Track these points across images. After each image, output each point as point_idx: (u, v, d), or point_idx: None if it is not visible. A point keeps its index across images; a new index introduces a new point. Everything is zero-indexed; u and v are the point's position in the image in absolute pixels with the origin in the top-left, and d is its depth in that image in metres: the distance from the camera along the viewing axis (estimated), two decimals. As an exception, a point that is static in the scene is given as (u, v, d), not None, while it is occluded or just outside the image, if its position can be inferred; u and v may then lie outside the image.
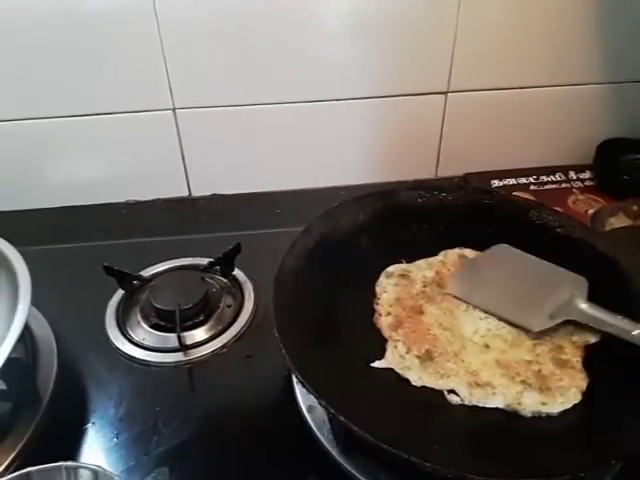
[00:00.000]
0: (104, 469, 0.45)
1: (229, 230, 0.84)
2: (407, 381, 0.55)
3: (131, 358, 0.65)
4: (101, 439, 0.57)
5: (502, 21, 0.81)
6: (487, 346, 0.58)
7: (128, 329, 0.68)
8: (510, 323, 0.60)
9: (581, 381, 0.54)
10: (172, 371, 0.64)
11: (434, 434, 0.49)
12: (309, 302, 0.60)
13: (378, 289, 0.64)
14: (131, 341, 0.66)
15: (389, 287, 0.64)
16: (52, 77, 0.79)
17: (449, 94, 0.87)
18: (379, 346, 0.58)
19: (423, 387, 0.54)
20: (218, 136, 0.87)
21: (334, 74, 0.83)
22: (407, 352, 0.57)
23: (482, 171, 0.94)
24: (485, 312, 0.62)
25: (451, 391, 0.54)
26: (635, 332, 0.54)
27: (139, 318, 0.69)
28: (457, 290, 0.64)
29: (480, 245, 0.68)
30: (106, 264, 0.70)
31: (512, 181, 0.93)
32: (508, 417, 0.52)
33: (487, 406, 0.53)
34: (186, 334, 0.66)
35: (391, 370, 0.56)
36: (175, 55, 0.79)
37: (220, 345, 0.66)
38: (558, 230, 0.67)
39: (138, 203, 0.91)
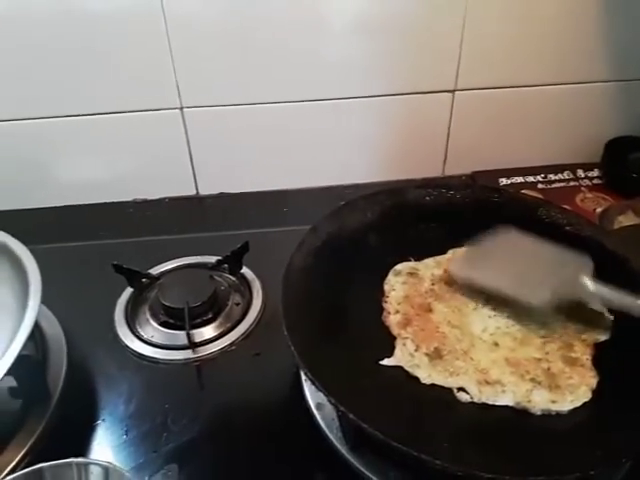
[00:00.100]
0: (114, 465, 0.46)
1: (236, 229, 0.84)
2: (416, 379, 0.55)
3: (140, 355, 0.65)
4: (110, 436, 0.57)
5: (509, 19, 0.81)
6: (496, 344, 0.57)
7: (137, 327, 0.68)
8: (510, 300, 0.60)
9: (591, 379, 0.54)
10: (181, 368, 0.64)
11: (443, 432, 0.49)
12: (317, 300, 0.60)
13: (387, 287, 0.64)
14: (140, 339, 0.67)
15: (398, 285, 0.64)
16: (61, 77, 0.79)
17: (456, 92, 0.87)
18: (388, 344, 0.58)
19: (432, 385, 0.54)
20: (225, 135, 0.87)
21: (341, 73, 0.83)
22: (416, 350, 0.57)
23: (489, 169, 0.94)
24: (484, 289, 0.61)
25: (460, 389, 0.54)
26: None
27: (148, 316, 0.69)
28: (458, 269, 0.64)
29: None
30: (115, 262, 0.70)
31: (520, 179, 0.93)
32: (518, 415, 0.52)
33: (497, 404, 0.53)
34: (195, 332, 0.66)
35: (400, 368, 0.56)
36: (183, 54, 0.79)
37: (229, 343, 0.66)
38: (567, 228, 0.67)
39: (146, 202, 0.91)
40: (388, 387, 0.54)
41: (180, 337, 0.66)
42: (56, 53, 0.77)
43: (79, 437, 0.57)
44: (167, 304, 0.67)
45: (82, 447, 0.56)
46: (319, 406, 0.57)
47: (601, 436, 0.49)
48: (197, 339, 0.66)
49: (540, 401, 0.52)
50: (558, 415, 0.52)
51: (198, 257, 0.77)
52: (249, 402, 0.61)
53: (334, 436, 0.54)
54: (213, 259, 0.75)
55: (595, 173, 0.93)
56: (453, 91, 0.86)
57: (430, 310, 0.61)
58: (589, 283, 0.58)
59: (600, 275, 0.62)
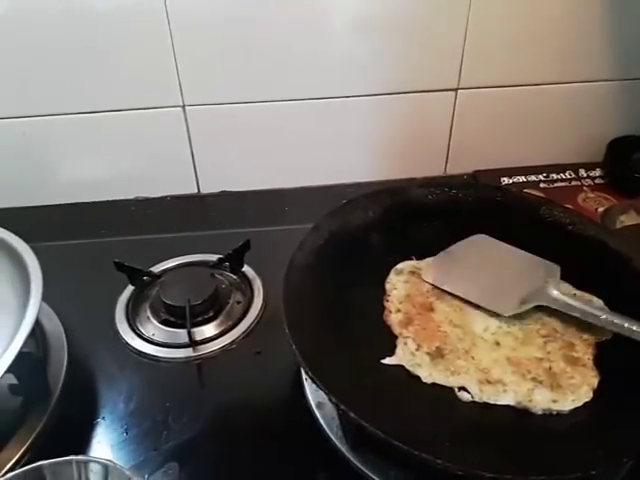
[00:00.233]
0: (115, 463, 0.45)
1: (238, 227, 0.85)
2: (417, 378, 0.55)
3: (141, 353, 0.65)
4: (111, 434, 0.57)
5: (512, 18, 0.81)
6: (498, 343, 0.57)
7: (138, 325, 0.68)
8: (482, 308, 0.61)
9: (592, 379, 0.54)
10: (182, 367, 0.64)
11: (444, 431, 0.49)
12: (319, 299, 0.60)
13: (388, 286, 0.64)
14: (141, 336, 0.67)
15: (399, 284, 0.64)
16: (63, 76, 0.79)
17: (459, 91, 0.86)
18: (389, 343, 0.58)
19: (433, 384, 0.54)
20: (227, 133, 0.87)
21: (343, 72, 0.83)
22: (417, 349, 0.56)
23: (491, 168, 0.93)
24: (450, 293, 0.62)
25: (462, 388, 0.54)
26: (603, 316, 0.56)
27: (149, 314, 0.69)
28: (431, 277, 0.64)
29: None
30: (117, 260, 0.70)
31: (522, 179, 0.92)
32: (519, 414, 0.52)
33: (498, 403, 0.52)
34: (196, 330, 0.66)
35: (401, 367, 0.56)
36: (185, 53, 0.79)
37: (229, 341, 0.66)
38: (569, 227, 0.67)
39: (147, 200, 0.91)
40: (389, 386, 0.54)
41: (181, 335, 0.66)
42: (58, 52, 0.77)
43: (79, 435, 0.57)
44: (168, 302, 0.67)
45: (82, 445, 0.56)
46: (320, 405, 0.57)
47: (602, 436, 0.49)
48: (198, 337, 0.66)
49: (541, 400, 0.52)
50: (559, 415, 0.52)
51: (199, 255, 0.77)
52: (250, 401, 0.61)
53: (334, 435, 0.54)
54: (214, 257, 0.75)
55: (597, 173, 0.93)
56: (455, 90, 0.86)
57: (432, 309, 0.61)
58: (556, 292, 0.59)
59: (602, 275, 0.62)
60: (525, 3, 0.80)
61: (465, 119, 0.89)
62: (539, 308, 0.60)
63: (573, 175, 0.93)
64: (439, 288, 0.63)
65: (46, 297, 0.56)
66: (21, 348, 0.50)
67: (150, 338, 0.66)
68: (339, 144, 0.90)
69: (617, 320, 0.55)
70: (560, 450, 0.48)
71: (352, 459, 0.52)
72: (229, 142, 0.88)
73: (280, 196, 0.91)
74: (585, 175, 0.93)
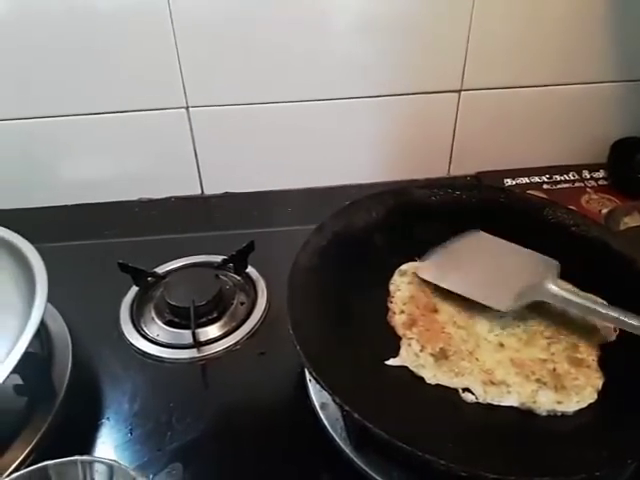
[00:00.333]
0: (119, 463, 0.45)
1: (241, 228, 0.85)
2: (421, 379, 0.55)
3: (145, 354, 0.65)
4: (115, 434, 0.57)
5: (516, 19, 0.81)
6: (501, 345, 0.57)
7: (142, 325, 0.68)
8: (486, 309, 0.60)
9: (597, 380, 0.54)
10: (186, 367, 0.64)
11: (448, 432, 0.49)
12: (323, 300, 0.60)
13: (392, 287, 0.64)
14: (145, 337, 0.67)
15: (403, 285, 0.64)
16: (66, 76, 0.80)
17: (462, 92, 0.86)
18: (393, 344, 0.58)
19: (437, 385, 0.54)
20: (231, 134, 0.87)
21: (347, 73, 0.83)
22: (421, 350, 0.57)
23: (495, 170, 0.94)
24: (454, 293, 0.62)
25: (466, 389, 0.54)
26: (602, 310, 0.55)
27: (153, 314, 0.69)
28: (428, 273, 0.64)
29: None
30: (121, 261, 0.70)
31: (525, 180, 0.92)
32: (523, 416, 0.52)
33: (502, 404, 0.52)
34: (200, 331, 0.66)
35: (405, 368, 0.56)
36: (189, 54, 0.79)
37: (233, 342, 0.66)
38: (573, 229, 0.67)
39: (151, 201, 0.92)
40: (393, 387, 0.54)
41: (185, 336, 0.66)
42: (61, 53, 0.78)
43: (84, 435, 0.57)
44: (173, 303, 0.67)
45: (87, 445, 0.56)
46: (323, 406, 0.57)
47: (606, 437, 0.49)
48: (202, 338, 0.66)
49: (545, 402, 0.52)
50: (563, 416, 0.52)
51: (203, 256, 0.77)
52: (253, 401, 0.61)
53: (338, 436, 0.54)
54: (218, 258, 0.75)
55: (601, 174, 0.93)
56: (459, 91, 0.86)
57: (435, 310, 0.61)
58: (553, 287, 0.58)
59: (606, 276, 0.62)
60: (528, 4, 0.80)
61: (468, 120, 0.89)
62: (542, 309, 0.60)
63: (576, 176, 0.93)
64: (438, 286, 0.63)
65: (51, 298, 0.56)
66: (26, 349, 0.50)
67: (154, 339, 0.67)
68: (342, 145, 0.90)
69: (617, 314, 0.54)
70: (564, 451, 0.48)
71: (356, 460, 0.52)
72: (233, 143, 0.88)
73: (283, 197, 0.91)
74: (588, 176, 0.93)
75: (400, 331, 0.59)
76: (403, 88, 0.86)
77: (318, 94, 0.85)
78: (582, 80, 0.88)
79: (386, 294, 0.64)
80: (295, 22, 0.78)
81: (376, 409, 0.47)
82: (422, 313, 0.61)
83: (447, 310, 0.61)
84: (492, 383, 0.54)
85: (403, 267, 0.67)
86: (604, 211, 0.84)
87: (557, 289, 0.58)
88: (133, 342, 0.66)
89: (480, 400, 0.53)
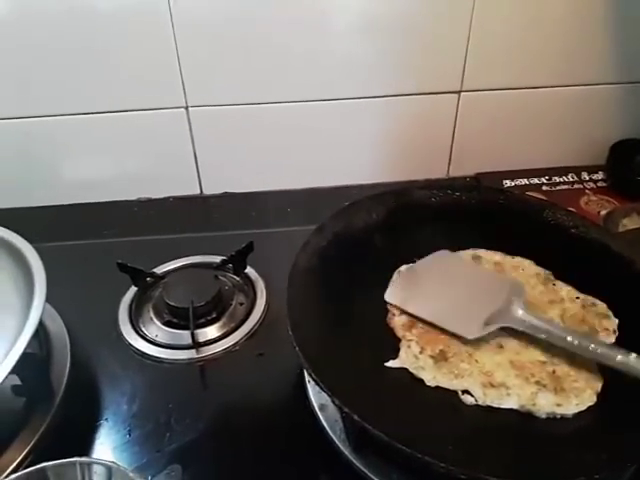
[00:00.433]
0: (118, 465, 0.45)
1: (240, 228, 0.85)
2: (421, 381, 0.55)
3: (144, 355, 0.65)
4: (114, 435, 0.57)
5: (516, 20, 0.81)
6: (501, 346, 0.57)
7: (141, 326, 0.68)
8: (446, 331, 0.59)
9: (596, 382, 0.54)
10: (184, 368, 0.64)
11: (448, 434, 0.49)
12: (322, 301, 0.60)
13: (391, 288, 0.64)
14: (144, 338, 0.67)
15: (402, 286, 0.64)
16: (66, 76, 0.79)
17: (462, 93, 0.86)
18: (393, 346, 0.58)
19: (437, 387, 0.54)
20: (230, 135, 0.87)
21: (346, 73, 0.83)
22: (421, 352, 0.56)
23: (494, 171, 0.94)
24: (420, 320, 0.60)
25: (465, 391, 0.54)
26: (569, 338, 0.54)
27: (152, 315, 0.69)
28: (394, 297, 0.63)
29: (494, 245, 0.68)
30: (120, 261, 0.70)
31: (524, 181, 0.92)
32: (522, 418, 0.52)
33: (501, 407, 0.52)
34: (198, 331, 0.66)
35: (405, 370, 0.56)
36: (189, 53, 0.79)
37: (232, 343, 0.66)
38: (572, 231, 0.67)
39: (150, 201, 0.91)
40: (392, 389, 0.54)
41: (184, 337, 0.66)
42: (61, 53, 0.77)
43: (82, 436, 0.57)
44: (171, 303, 0.67)
45: (85, 446, 0.56)
46: (322, 407, 0.57)
47: (606, 440, 0.49)
48: (201, 339, 0.66)
49: (545, 404, 0.52)
50: (563, 418, 0.52)
51: (202, 256, 0.77)
52: (252, 402, 0.61)
53: (337, 437, 0.54)
54: (217, 259, 0.75)
55: (600, 176, 0.93)
56: (459, 92, 0.86)
57: (435, 312, 0.61)
58: (520, 312, 0.58)
59: (605, 278, 0.62)
60: (528, 6, 0.80)
61: (468, 121, 0.89)
62: (544, 310, 0.60)
63: (575, 178, 0.93)
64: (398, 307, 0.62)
65: (49, 298, 0.56)
66: (25, 349, 0.50)
67: (153, 339, 0.66)
68: (341, 146, 0.90)
69: (585, 343, 0.53)
70: (563, 454, 0.48)
71: (355, 462, 0.52)
72: (232, 143, 0.88)
73: (283, 197, 0.91)
74: (588, 178, 0.93)
75: (400, 333, 0.59)
76: (403, 89, 0.86)
77: (317, 94, 0.85)
78: (582, 82, 0.88)
79: (386, 295, 0.64)
80: (295, 22, 0.78)
81: (375, 411, 0.47)
82: (421, 315, 0.60)
83: (446, 312, 0.61)
84: (492, 385, 0.53)
85: (402, 268, 0.66)
86: (603, 213, 0.84)
87: (524, 314, 0.57)
88: (132, 342, 0.66)
89: (480, 402, 0.53)
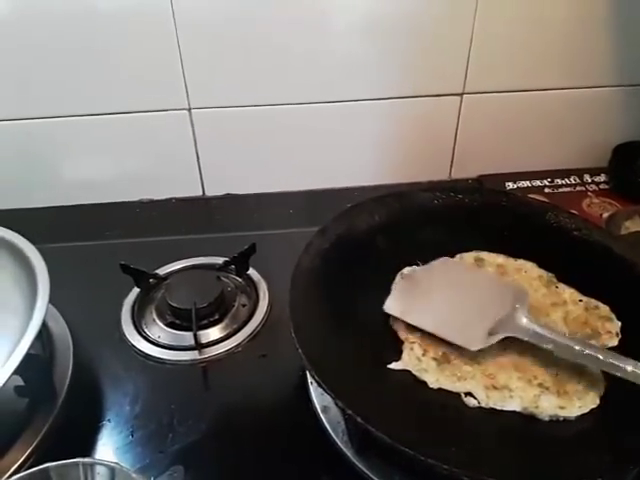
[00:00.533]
0: (121, 466, 0.45)
1: (242, 230, 0.85)
2: (424, 383, 0.55)
3: (146, 356, 0.65)
4: (116, 436, 0.57)
5: (518, 23, 0.81)
6: (504, 349, 0.57)
7: (144, 327, 0.68)
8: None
9: (599, 385, 0.54)
10: (187, 369, 0.64)
11: (451, 436, 0.49)
12: (325, 302, 0.60)
13: (394, 290, 0.64)
14: (147, 339, 0.67)
15: (405, 289, 0.64)
16: (68, 77, 0.80)
17: (464, 95, 0.86)
18: (395, 348, 0.58)
19: (440, 389, 0.54)
20: (233, 136, 0.87)
21: (349, 75, 0.83)
22: (424, 354, 0.56)
23: (496, 173, 0.94)
24: (422, 331, 0.59)
25: (468, 394, 0.53)
26: (577, 347, 0.53)
27: (154, 316, 0.69)
28: (394, 308, 0.61)
29: (496, 248, 0.68)
30: (123, 262, 0.70)
31: (526, 184, 0.92)
32: (525, 420, 0.52)
33: (504, 409, 0.52)
34: (201, 333, 0.66)
35: (408, 372, 0.56)
36: (191, 55, 0.79)
37: (235, 344, 0.66)
38: (575, 233, 0.67)
39: (152, 202, 0.92)
40: (395, 391, 0.54)
41: (186, 338, 0.66)
42: (63, 53, 0.78)
43: (85, 437, 0.57)
44: (174, 305, 0.67)
45: (87, 447, 0.56)
46: (325, 409, 0.57)
47: (609, 442, 0.49)
48: (203, 340, 0.66)
49: (548, 407, 0.52)
50: (566, 421, 0.52)
51: (205, 258, 0.77)
52: (255, 404, 0.61)
53: (340, 439, 0.54)
54: (219, 260, 0.75)
55: (602, 178, 0.93)
56: (461, 94, 0.86)
57: (438, 314, 0.61)
58: (524, 320, 0.56)
59: (608, 281, 0.62)
60: (531, 8, 0.80)
61: (470, 124, 0.89)
62: (547, 313, 0.60)
63: (578, 180, 0.93)
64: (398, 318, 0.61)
65: (52, 299, 0.56)
66: (28, 350, 0.50)
67: (156, 340, 0.66)
68: (345, 147, 0.90)
69: (591, 352, 0.52)
70: (566, 456, 0.48)
71: (357, 464, 0.52)
72: (234, 145, 0.88)
73: (285, 199, 0.91)
74: (590, 180, 0.93)
75: (402, 335, 0.59)
76: (405, 91, 0.86)
77: (320, 96, 0.85)
78: (585, 84, 0.88)
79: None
80: (298, 24, 0.78)
81: (378, 413, 0.47)
82: (424, 317, 0.60)
83: (449, 314, 0.61)
84: (494, 388, 0.53)
85: (405, 270, 0.66)
86: (605, 215, 0.84)
87: (529, 323, 0.56)
88: (134, 344, 0.66)
89: (482, 405, 0.53)
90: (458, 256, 0.68)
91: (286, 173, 0.92)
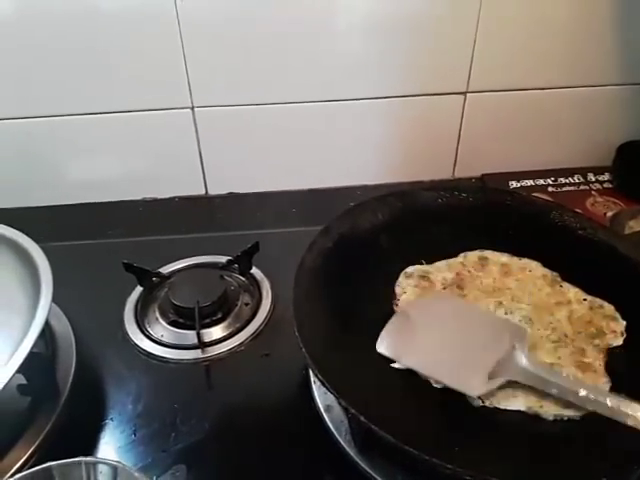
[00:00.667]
0: (123, 464, 0.45)
1: (245, 229, 0.85)
2: (428, 382, 0.54)
3: (149, 355, 0.65)
4: (119, 435, 0.57)
5: (522, 22, 0.81)
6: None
7: (146, 326, 0.68)
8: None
9: (603, 385, 0.54)
10: (190, 368, 0.64)
11: (455, 436, 0.49)
12: (328, 301, 0.59)
13: (398, 289, 0.64)
14: (149, 338, 0.67)
15: (409, 288, 0.64)
16: (72, 76, 0.79)
17: (468, 94, 0.86)
18: (399, 347, 0.58)
19: (444, 388, 0.54)
20: (235, 135, 0.87)
21: (352, 74, 0.83)
22: (427, 353, 0.56)
23: (500, 172, 0.93)
24: (419, 375, 0.56)
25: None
26: (582, 392, 0.50)
27: (157, 315, 0.69)
28: (387, 348, 0.57)
29: (500, 247, 0.68)
30: (126, 261, 0.70)
31: (530, 182, 0.92)
32: (530, 420, 0.51)
33: (508, 409, 0.52)
34: (204, 331, 0.66)
35: (411, 371, 0.55)
36: (195, 54, 0.79)
37: (238, 343, 0.66)
38: (579, 232, 0.67)
39: (155, 201, 0.92)
40: (399, 390, 0.54)
41: (189, 337, 0.66)
42: (66, 53, 0.78)
43: (87, 436, 0.57)
44: (177, 303, 0.67)
45: (90, 446, 0.56)
46: (328, 408, 0.57)
47: (613, 443, 0.48)
48: (206, 339, 0.66)
49: (552, 406, 0.52)
50: (570, 420, 0.51)
51: (208, 257, 0.77)
52: (258, 403, 0.61)
53: (343, 438, 0.54)
54: (223, 259, 0.75)
55: (606, 177, 0.92)
56: (465, 93, 0.86)
57: (441, 313, 0.61)
58: (523, 361, 0.54)
59: (613, 280, 0.62)
60: (534, 7, 0.80)
61: (474, 122, 0.89)
62: (552, 312, 0.60)
63: (582, 179, 0.93)
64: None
65: (55, 297, 0.56)
66: (31, 349, 0.50)
67: (159, 339, 0.66)
68: (347, 146, 0.90)
69: (597, 397, 0.50)
70: (571, 456, 0.48)
71: (360, 463, 0.52)
72: (237, 144, 0.88)
73: (288, 198, 0.91)
74: (594, 179, 0.92)
75: (406, 334, 0.59)
76: (409, 89, 0.85)
77: (324, 95, 0.85)
78: (588, 83, 0.87)
79: (392, 296, 0.63)
80: (301, 24, 0.78)
81: (382, 412, 0.47)
82: (428, 316, 0.60)
83: (453, 313, 0.61)
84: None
85: (409, 269, 0.66)
86: (609, 214, 0.84)
87: (529, 364, 0.53)
88: (137, 342, 0.66)
89: (486, 404, 0.52)
90: (462, 255, 0.68)
91: (289, 172, 0.92)
